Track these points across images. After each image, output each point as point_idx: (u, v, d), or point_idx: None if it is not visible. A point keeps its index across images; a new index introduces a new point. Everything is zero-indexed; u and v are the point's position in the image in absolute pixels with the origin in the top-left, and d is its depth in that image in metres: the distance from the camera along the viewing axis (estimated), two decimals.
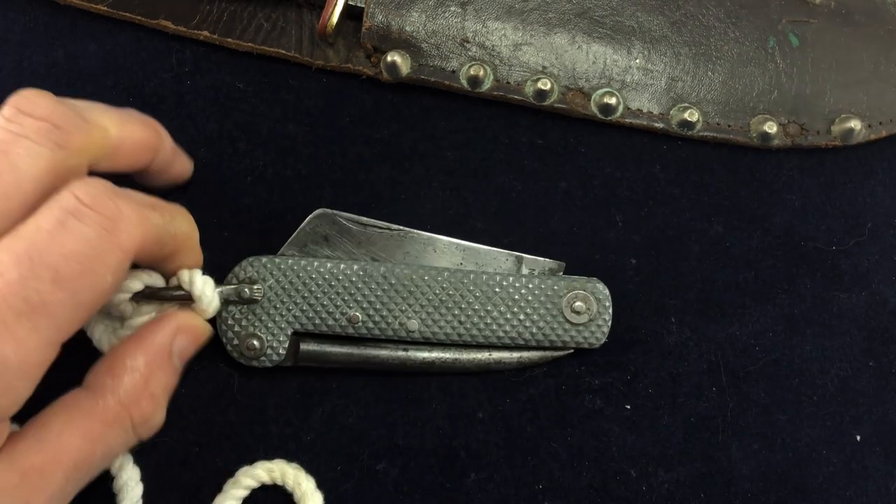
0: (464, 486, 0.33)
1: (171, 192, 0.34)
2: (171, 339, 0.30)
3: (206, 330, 0.32)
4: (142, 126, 0.31)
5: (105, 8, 0.36)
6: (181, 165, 0.34)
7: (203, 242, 0.35)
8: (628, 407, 0.34)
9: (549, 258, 0.35)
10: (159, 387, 0.30)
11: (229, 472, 0.33)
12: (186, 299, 0.31)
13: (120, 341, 0.31)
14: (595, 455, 0.34)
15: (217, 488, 0.32)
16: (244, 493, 0.32)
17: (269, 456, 0.33)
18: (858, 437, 0.34)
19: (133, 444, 0.29)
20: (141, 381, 0.29)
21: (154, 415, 0.29)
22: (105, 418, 0.28)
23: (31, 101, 0.27)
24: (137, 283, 0.30)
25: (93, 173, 0.29)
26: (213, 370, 0.33)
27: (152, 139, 0.31)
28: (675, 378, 0.34)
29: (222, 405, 0.33)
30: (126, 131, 0.30)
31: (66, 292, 0.25)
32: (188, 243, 0.31)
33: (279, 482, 0.32)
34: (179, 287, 0.31)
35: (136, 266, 0.31)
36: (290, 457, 0.33)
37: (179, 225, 0.30)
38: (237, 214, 0.35)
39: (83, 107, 0.29)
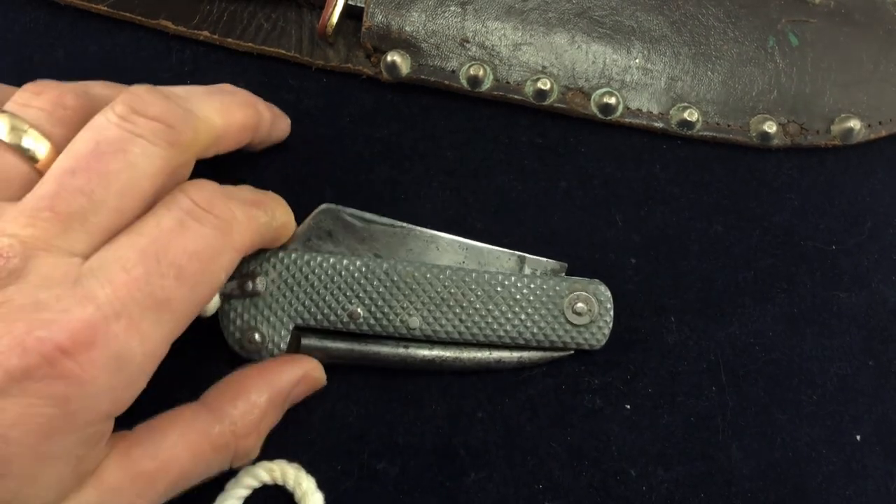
0: (463, 486, 0.33)
1: None
2: (294, 385, 0.31)
3: (323, 382, 0.33)
4: (243, 109, 0.31)
5: (105, 8, 0.37)
6: (280, 129, 0.35)
7: None
8: (628, 406, 0.34)
9: (549, 258, 0.35)
10: (267, 426, 0.31)
11: (229, 473, 0.33)
12: None
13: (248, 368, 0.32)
14: (595, 454, 0.34)
15: (218, 488, 0.32)
16: (245, 492, 0.32)
17: (269, 455, 0.33)
18: (858, 437, 0.34)
19: (224, 470, 0.31)
20: (258, 417, 0.30)
21: (254, 450, 0.31)
22: (216, 443, 0.29)
23: (143, 100, 0.27)
24: None
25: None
26: (213, 367, 0.33)
27: (253, 119, 0.32)
28: (675, 377, 0.34)
29: None
30: (230, 119, 0.30)
31: (188, 288, 0.26)
32: (286, 231, 0.32)
33: (280, 482, 0.32)
34: None
35: None
36: (290, 456, 0.33)
37: (280, 217, 0.31)
38: None
39: (189, 98, 0.29)
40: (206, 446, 0.29)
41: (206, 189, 0.28)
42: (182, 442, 0.28)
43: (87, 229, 0.25)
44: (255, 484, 0.32)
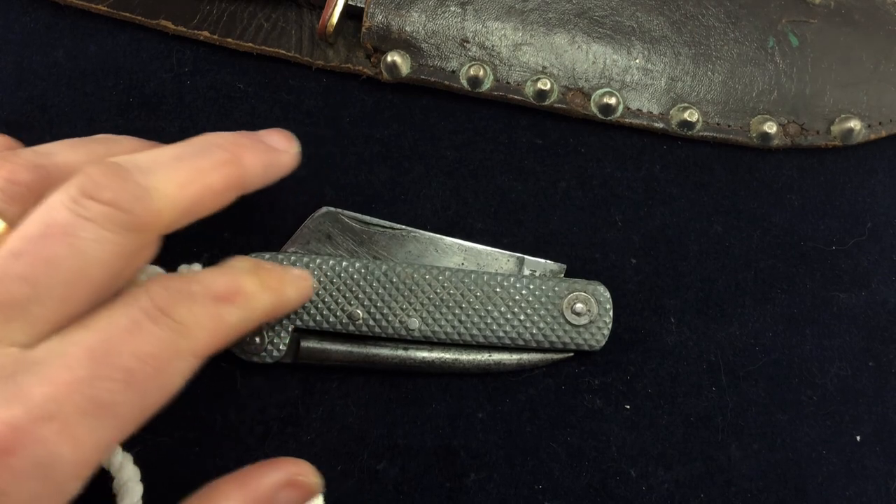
0: (464, 486, 0.33)
1: None
2: (277, 490, 0.28)
3: (319, 488, 0.30)
4: (221, 170, 0.28)
5: (105, 8, 0.37)
6: (279, 169, 0.32)
7: (203, 243, 0.35)
8: (628, 407, 0.34)
9: (549, 258, 0.35)
10: None
11: (229, 473, 0.33)
12: None
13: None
14: (595, 455, 0.34)
15: None
16: None
17: (269, 455, 0.33)
18: (858, 437, 0.34)
19: None
20: None
21: None
22: None
23: (96, 183, 0.25)
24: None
25: None
26: (213, 369, 0.33)
27: (232, 180, 0.29)
28: (675, 378, 0.34)
29: (222, 404, 0.33)
30: (202, 187, 0.28)
31: (136, 394, 0.25)
32: (285, 307, 0.31)
33: None
34: None
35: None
36: (289, 456, 0.33)
37: (267, 299, 0.29)
38: (237, 215, 0.35)
39: (153, 169, 0.27)
40: None
41: (170, 288, 0.26)
42: None
43: (29, 320, 0.24)
44: None
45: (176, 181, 0.27)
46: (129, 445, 0.32)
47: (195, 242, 0.35)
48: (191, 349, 0.26)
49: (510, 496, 0.33)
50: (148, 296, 0.26)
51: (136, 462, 0.32)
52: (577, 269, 0.35)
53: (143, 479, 0.32)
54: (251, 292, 0.29)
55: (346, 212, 0.34)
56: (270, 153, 0.31)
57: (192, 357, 0.26)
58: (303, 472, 0.29)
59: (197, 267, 0.32)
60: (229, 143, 0.29)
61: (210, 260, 0.34)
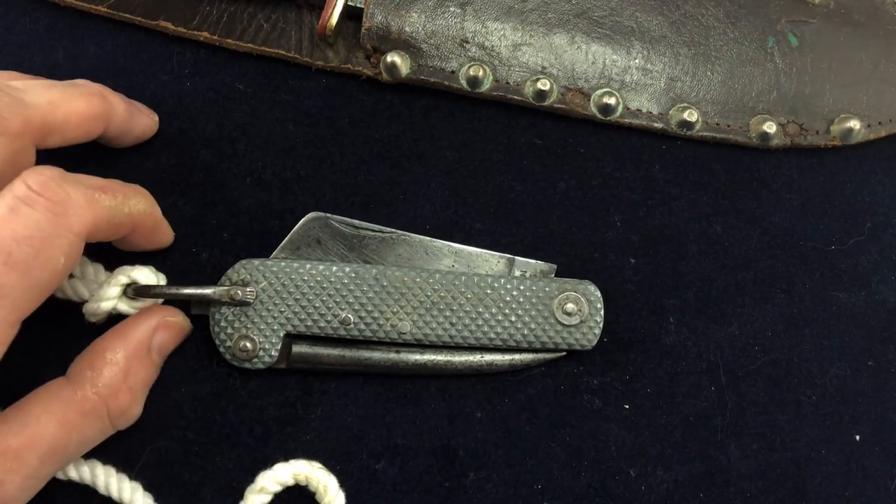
0: (462, 486, 0.33)
1: (160, 183, 0.35)
2: (151, 334, 0.32)
3: (187, 326, 0.33)
4: (87, 98, 0.32)
5: (105, 9, 0.37)
6: (142, 125, 0.35)
7: (203, 243, 0.35)
8: (627, 407, 0.34)
9: (548, 258, 0.35)
10: (137, 381, 0.31)
11: (229, 472, 0.33)
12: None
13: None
14: (594, 455, 0.34)
15: (217, 488, 0.33)
16: (268, 497, 0.32)
17: (269, 456, 0.33)
18: (857, 437, 0.34)
19: (109, 433, 0.31)
20: (119, 374, 0.30)
21: (131, 407, 0.31)
22: (83, 409, 0.29)
23: None
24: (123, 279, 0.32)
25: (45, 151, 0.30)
26: (213, 370, 0.34)
27: (98, 109, 0.32)
28: (674, 378, 0.34)
29: (222, 405, 0.33)
30: (69, 107, 0.31)
31: (19, 274, 0.26)
32: (148, 220, 0.32)
33: (303, 483, 0.32)
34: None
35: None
36: (288, 456, 0.33)
37: (135, 204, 0.31)
38: (237, 215, 0.35)
39: (25, 89, 0.30)
40: (73, 414, 0.29)
41: (43, 174, 0.28)
42: (46, 415, 0.28)
43: None
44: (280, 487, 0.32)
45: (46, 98, 0.30)
46: (132, 452, 0.32)
47: (194, 242, 0.35)
48: (69, 226, 0.27)
49: (509, 496, 0.33)
50: (24, 182, 0.27)
51: (135, 461, 0.32)
52: (576, 269, 0.35)
53: (143, 479, 0.32)
54: (122, 190, 0.31)
55: (334, 216, 0.34)
56: (135, 105, 0.35)
57: (70, 234, 0.27)
58: (171, 314, 0.33)
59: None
60: (94, 85, 0.33)
61: (208, 260, 0.35)
